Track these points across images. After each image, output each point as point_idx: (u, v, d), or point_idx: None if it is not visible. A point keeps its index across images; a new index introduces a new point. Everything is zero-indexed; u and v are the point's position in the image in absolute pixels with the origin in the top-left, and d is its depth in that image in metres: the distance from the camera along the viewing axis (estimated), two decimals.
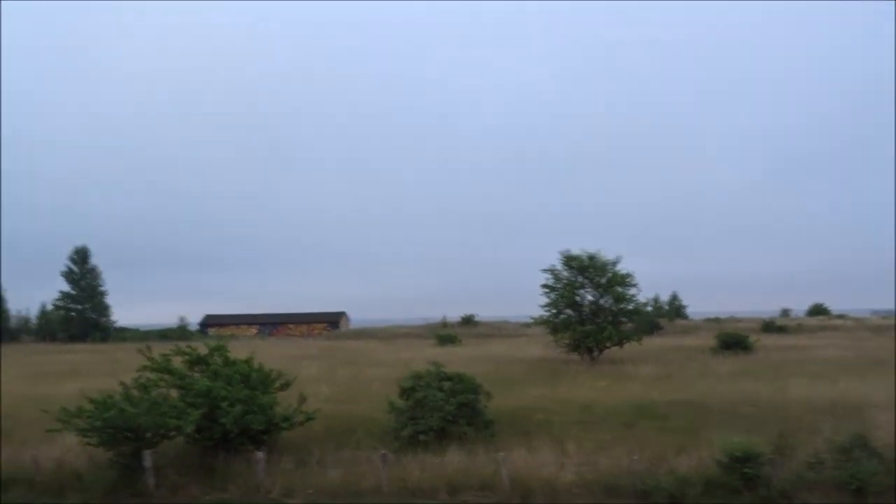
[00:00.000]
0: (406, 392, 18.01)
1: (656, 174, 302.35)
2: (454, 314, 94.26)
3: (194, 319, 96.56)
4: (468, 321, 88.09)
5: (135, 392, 15.77)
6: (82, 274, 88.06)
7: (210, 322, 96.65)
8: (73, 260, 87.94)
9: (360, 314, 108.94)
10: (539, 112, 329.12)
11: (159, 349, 17.62)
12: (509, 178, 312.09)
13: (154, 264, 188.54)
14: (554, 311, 38.93)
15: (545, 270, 39.14)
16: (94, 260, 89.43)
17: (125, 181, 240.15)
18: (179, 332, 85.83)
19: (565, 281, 38.65)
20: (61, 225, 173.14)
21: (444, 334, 65.74)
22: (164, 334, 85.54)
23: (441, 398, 17.29)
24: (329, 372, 32.99)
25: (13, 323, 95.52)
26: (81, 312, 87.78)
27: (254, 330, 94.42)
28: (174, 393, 16.19)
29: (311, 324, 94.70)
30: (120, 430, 14.83)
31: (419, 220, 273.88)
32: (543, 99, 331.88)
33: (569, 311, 38.93)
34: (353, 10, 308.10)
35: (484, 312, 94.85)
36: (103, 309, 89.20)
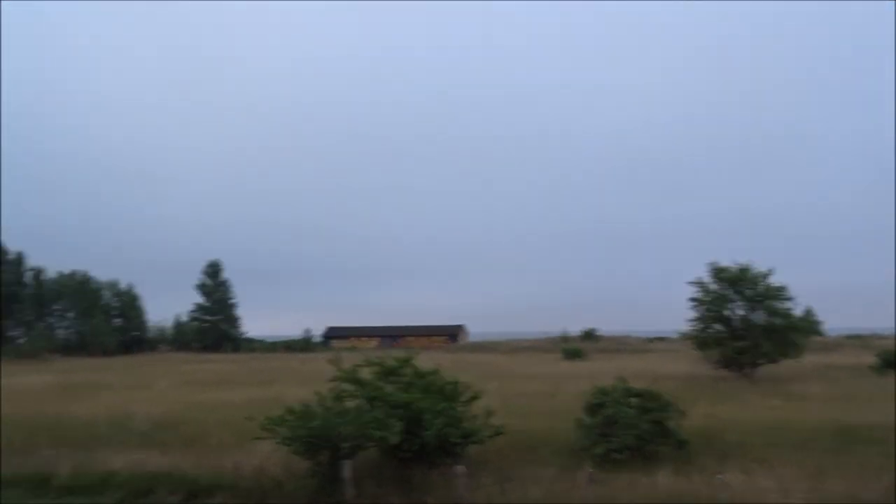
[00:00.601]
0: (593, 408, 17.42)
1: (776, 182, 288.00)
2: (573, 328, 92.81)
3: (317, 331, 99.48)
4: (589, 335, 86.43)
5: (329, 402, 15.96)
6: (215, 287, 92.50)
7: (332, 334, 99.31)
8: (206, 273, 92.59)
9: (478, 327, 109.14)
10: (656, 120, 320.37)
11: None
12: (628, 188, 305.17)
13: (278, 277, 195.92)
14: (702, 325, 37.30)
15: (692, 283, 37.61)
16: (226, 273, 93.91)
17: (253, 196, 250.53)
18: (303, 344, 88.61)
19: (714, 294, 36.95)
20: (196, 239, 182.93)
21: (570, 348, 64.61)
22: (289, 345, 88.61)
23: (633, 415, 16.59)
24: (476, 386, 32.70)
25: (151, 333, 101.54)
26: (214, 323, 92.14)
27: (374, 342, 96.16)
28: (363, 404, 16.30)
29: (431, 336, 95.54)
30: (320, 439, 15.00)
31: (537, 232, 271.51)
32: (657, 107, 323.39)
33: (717, 326, 37.20)
34: (462, 24, 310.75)
35: (603, 327, 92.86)
36: (234, 320, 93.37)
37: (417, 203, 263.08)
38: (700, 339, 37.44)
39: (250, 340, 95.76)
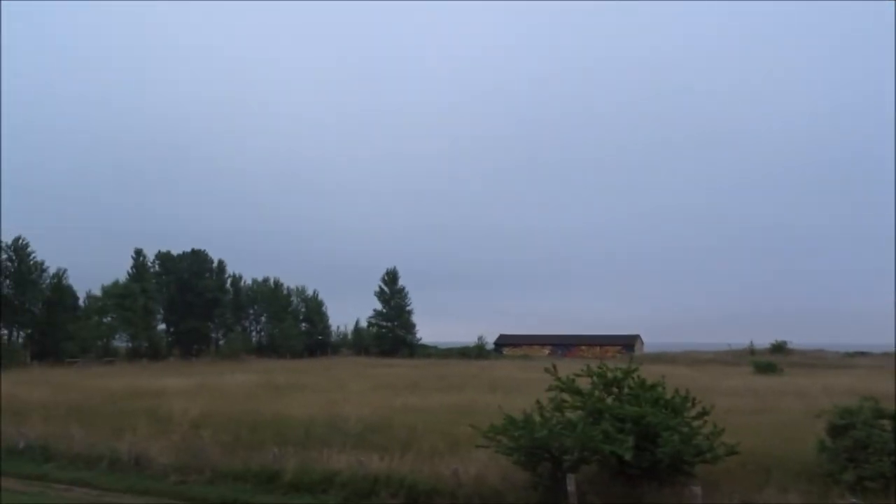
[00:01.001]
0: (838, 430, 15.54)
1: None
2: (756, 340, 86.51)
3: (489, 338, 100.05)
4: (779, 348, 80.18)
5: (548, 412, 15.41)
6: (392, 294, 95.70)
7: (504, 341, 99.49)
8: (384, 281, 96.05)
9: (652, 338, 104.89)
10: (846, 111, 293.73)
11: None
12: (813, 188, 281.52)
13: (451, 283, 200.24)
14: None
15: None
16: (402, 280, 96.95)
17: (428, 204, 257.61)
18: (477, 351, 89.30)
19: None
20: (374, 246, 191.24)
21: (762, 362, 60.05)
22: (463, 352, 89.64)
23: (888, 439, 14.61)
24: None
25: (333, 337, 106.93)
26: (391, 329, 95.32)
27: (546, 350, 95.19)
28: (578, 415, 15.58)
29: (605, 346, 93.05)
30: (543, 450, 14.48)
31: (720, 236, 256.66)
32: (835, 101, 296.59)
33: None
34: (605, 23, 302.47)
35: (792, 339, 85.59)
36: (410, 326, 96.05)
37: (587, 210, 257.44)
38: None
39: (425, 346, 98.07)
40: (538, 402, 15.72)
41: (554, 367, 16.51)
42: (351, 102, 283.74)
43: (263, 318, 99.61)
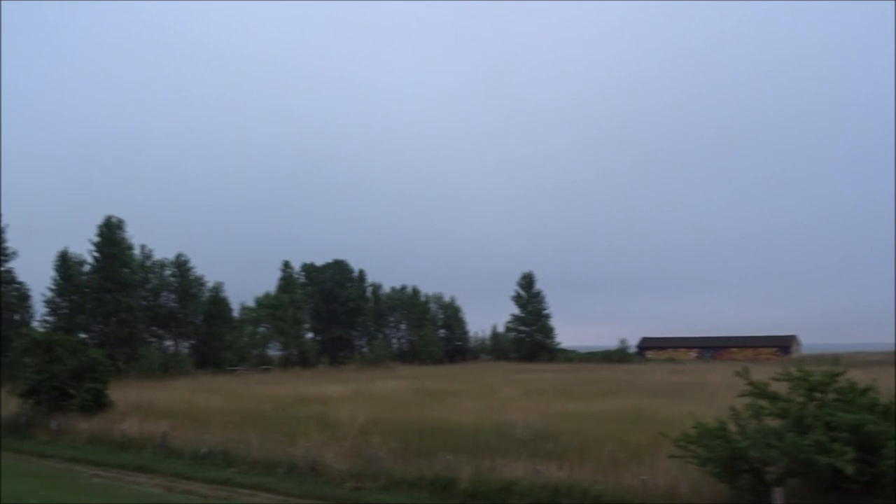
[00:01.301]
0: None
1: None
2: None
3: (632, 341, 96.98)
4: None
5: (744, 420, 14.23)
6: (529, 298, 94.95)
7: (647, 344, 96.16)
8: (520, 285, 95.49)
9: (811, 339, 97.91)
10: None
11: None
12: None
13: (588, 287, 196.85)
14: None
15: None
16: (539, 285, 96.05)
17: (562, 208, 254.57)
18: (620, 355, 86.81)
19: None
20: (508, 252, 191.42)
21: None
22: (605, 356, 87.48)
23: None
24: None
25: (471, 343, 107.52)
26: (529, 334, 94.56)
27: (693, 353, 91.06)
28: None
29: (757, 348, 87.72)
30: (743, 461, 13.37)
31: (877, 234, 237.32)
32: None
33: None
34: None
35: None
36: (548, 331, 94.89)
37: (735, 208, 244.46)
38: None
39: (564, 351, 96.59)
40: (732, 408, 14.55)
41: (746, 369, 15.29)
42: (476, 112, 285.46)
43: (403, 326, 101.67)
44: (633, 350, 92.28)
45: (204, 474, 21.49)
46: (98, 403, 30.97)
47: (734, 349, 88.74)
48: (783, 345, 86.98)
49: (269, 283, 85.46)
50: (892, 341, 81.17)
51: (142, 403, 31.59)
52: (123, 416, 28.97)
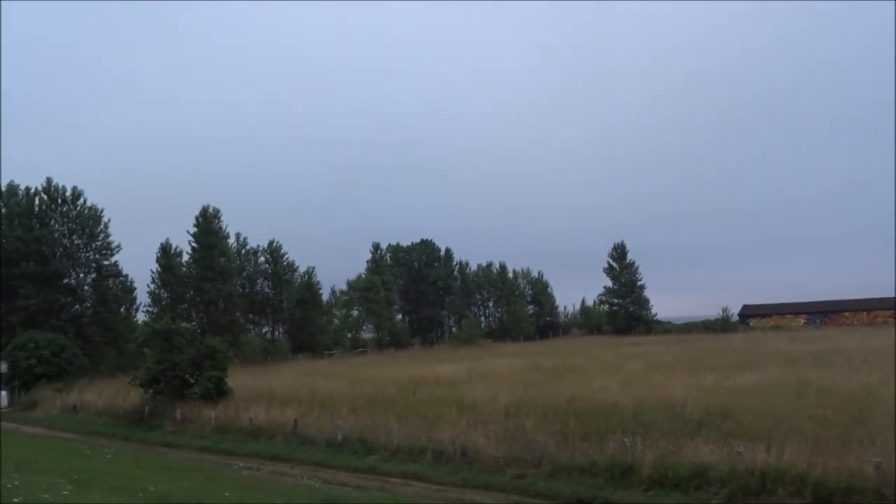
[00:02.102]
0: None
1: None
2: None
3: (734, 310, 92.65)
4: None
5: None
6: (622, 269, 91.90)
7: (749, 312, 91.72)
8: (612, 256, 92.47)
9: None
10: None
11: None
12: None
13: (685, 257, 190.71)
14: None
15: None
16: (631, 255, 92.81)
17: (649, 177, 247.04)
18: (722, 324, 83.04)
19: None
20: (598, 224, 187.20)
21: None
22: (706, 326, 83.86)
23: None
24: None
25: (561, 318, 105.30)
26: (623, 306, 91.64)
27: (802, 319, 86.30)
28: None
29: (872, 311, 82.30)
30: None
31: None
32: None
33: None
34: None
35: None
36: (643, 302, 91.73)
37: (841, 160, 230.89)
38: None
39: (660, 322, 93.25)
40: None
41: None
42: (558, 82, 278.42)
43: (490, 303, 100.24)
44: (734, 318, 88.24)
45: (344, 462, 20.52)
46: (219, 391, 30.66)
47: (847, 313, 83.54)
48: None
49: (357, 267, 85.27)
50: None
51: (262, 390, 31.12)
52: (247, 403, 28.48)
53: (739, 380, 25.48)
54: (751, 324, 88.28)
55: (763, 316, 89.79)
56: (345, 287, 78.79)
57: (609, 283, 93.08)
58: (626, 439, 16.19)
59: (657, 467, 15.07)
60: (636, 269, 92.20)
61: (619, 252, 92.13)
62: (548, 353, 50.46)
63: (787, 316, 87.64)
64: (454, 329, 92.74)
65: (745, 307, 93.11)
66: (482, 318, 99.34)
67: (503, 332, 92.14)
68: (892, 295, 78.86)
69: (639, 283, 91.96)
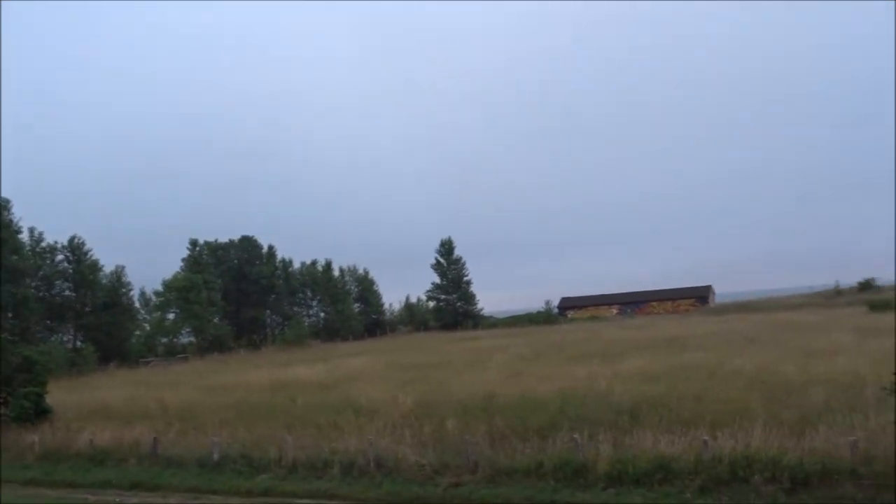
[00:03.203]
0: None
1: None
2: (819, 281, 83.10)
3: (554, 304, 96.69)
4: (867, 286, 76.62)
5: None
6: (449, 265, 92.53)
7: (567, 304, 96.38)
8: (440, 252, 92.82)
9: (722, 288, 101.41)
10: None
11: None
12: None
13: (505, 254, 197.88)
14: None
15: None
16: (458, 251, 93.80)
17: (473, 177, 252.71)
18: (545, 317, 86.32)
19: None
20: (422, 221, 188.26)
21: (878, 300, 56.81)
22: (530, 319, 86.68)
23: None
24: None
25: (388, 316, 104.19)
26: (451, 302, 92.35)
27: (615, 310, 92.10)
28: None
29: (676, 300, 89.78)
30: None
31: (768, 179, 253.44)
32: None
33: None
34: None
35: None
36: (470, 298, 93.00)
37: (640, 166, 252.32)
38: None
39: (487, 317, 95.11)
40: None
41: None
42: (382, 81, 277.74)
43: (315, 302, 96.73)
44: (555, 311, 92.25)
45: (229, 485, 17.39)
46: (38, 411, 25.62)
47: (654, 303, 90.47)
48: (701, 295, 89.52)
49: (173, 266, 77.95)
50: (783, 287, 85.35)
51: (93, 406, 26.53)
52: (79, 423, 23.92)
53: (623, 367, 25.41)
54: (569, 315, 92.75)
55: (580, 307, 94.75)
56: (160, 287, 71.73)
57: (437, 279, 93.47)
58: (575, 435, 14.93)
59: (615, 463, 13.97)
60: (463, 264, 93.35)
61: (447, 248, 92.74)
62: (394, 351, 48.90)
63: (601, 307, 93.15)
64: (279, 330, 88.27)
65: (563, 300, 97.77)
66: (307, 318, 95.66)
67: (331, 332, 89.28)
68: (693, 285, 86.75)
69: (466, 278, 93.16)
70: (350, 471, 16.72)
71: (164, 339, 70.76)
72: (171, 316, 70.76)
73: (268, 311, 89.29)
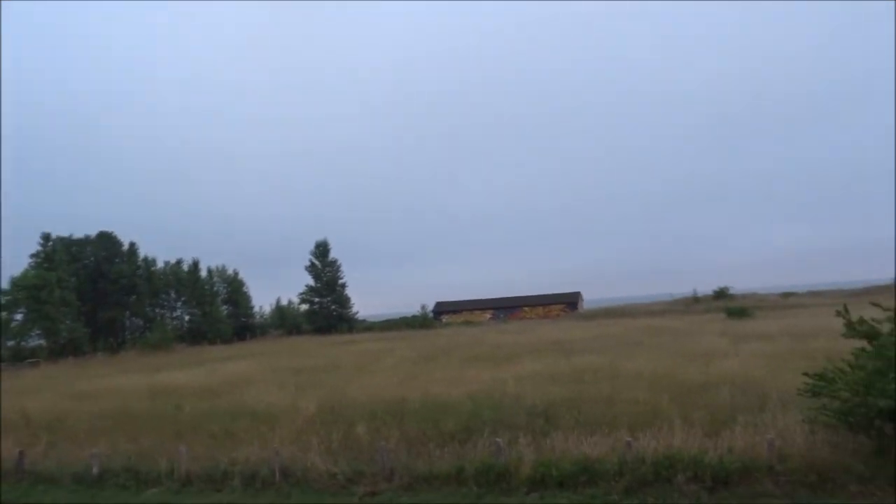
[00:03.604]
0: None
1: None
2: (679, 290, 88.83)
3: (430, 308, 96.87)
4: (721, 294, 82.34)
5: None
6: (324, 267, 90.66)
7: (442, 309, 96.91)
8: (315, 254, 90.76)
9: (589, 295, 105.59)
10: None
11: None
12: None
13: (378, 259, 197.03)
14: None
15: None
16: (334, 254, 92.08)
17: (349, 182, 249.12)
18: (421, 321, 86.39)
19: None
20: (294, 223, 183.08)
21: (735, 307, 61.02)
22: (407, 323, 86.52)
23: None
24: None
25: (258, 319, 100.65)
26: (325, 305, 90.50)
27: (488, 315, 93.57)
28: None
29: (548, 305, 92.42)
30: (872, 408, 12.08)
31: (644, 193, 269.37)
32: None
33: None
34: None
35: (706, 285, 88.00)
36: (345, 301, 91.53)
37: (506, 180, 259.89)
38: None
39: (360, 321, 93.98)
40: (859, 350, 13.21)
41: (846, 309, 14.07)
42: (254, 82, 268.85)
43: (180, 304, 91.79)
44: (430, 315, 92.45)
45: (113, 501, 15.64)
46: None
47: (527, 308, 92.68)
48: (571, 301, 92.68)
49: (20, 262, 71.42)
50: (645, 294, 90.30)
51: None
52: None
53: (521, 370, 25.51)
54: (444, 320, 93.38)
55: (455, 312, 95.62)
56: (5, 286, 65.38)
57: (311, 282, 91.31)
58: (498, 439, 14.59)
59: (538, 466, 13.75)
60: (339, 267, 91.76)
61: (322, 250, 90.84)
62: (273, 355, 47.05)
63: (475, 312, 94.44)
64: (140, 333, 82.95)
65: (438, 304, 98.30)
66: (170, 320, 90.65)
67: (197, 336, 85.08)
68: (563, 291, 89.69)
69: (341, 281, 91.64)
70: (252, 482, 15.54)
71: (11, 343, 64.50)
72: (18, 317, 64.63)
73: (127, 313, 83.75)
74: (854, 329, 13.80)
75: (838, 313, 14.11)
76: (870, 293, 77.16)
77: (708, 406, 15.64)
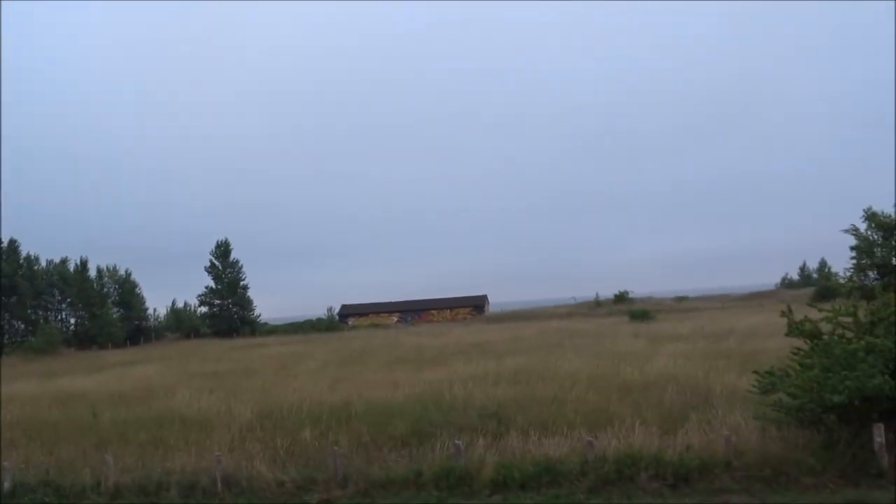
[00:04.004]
0: None
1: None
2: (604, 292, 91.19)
3: (336, 310, 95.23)
4: (622, 298, 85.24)
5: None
6: (225, 268, 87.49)
7: (347, 311, 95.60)
8: (215, 255, 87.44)
9: (494, 297, 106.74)
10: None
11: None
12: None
13: (280, 259, 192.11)
14: (861, 275, 36.01)
15: (848, 231, 36.25)
16: (235, 254, 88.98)
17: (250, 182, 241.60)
18: (328, 324, 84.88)
19: (874, 242, 35.64)
20: (190, 223, 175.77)
21: (637, 310, 63.31)
22: (313, 325, 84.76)
23: None
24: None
25: (152, 322, 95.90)
26: (226, 307, 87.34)
27: (395, 318, 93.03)
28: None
29: (455, 309, 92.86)
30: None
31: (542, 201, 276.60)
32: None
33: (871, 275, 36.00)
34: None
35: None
36: (247, 303, 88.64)
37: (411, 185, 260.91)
38: (860, 290, 36.15)
39: (264, 324, 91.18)
40: (798, 350, 13.80)
41: (790, 309, 14.67)
42: (149, 80, 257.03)
43: (64, 306, 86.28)
44: (336, 318, 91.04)
45: None
46: None
47: (433, 311, 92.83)
48: (478, 304, 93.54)
49: None
50: (564, 297, 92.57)
51: None
52: None
53: (456, 372, 25.32)
54: (350, 322, 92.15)
55: (360, 315, 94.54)
56: None
57: (211, 283, 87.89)
58: (458, 441, 14.31)
59: (499, 468, 13.57)
60: (241, 268, 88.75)
61: (223, 250, 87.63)
62: (178, 358, 44.73)
63: (381, 314, 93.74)
64: (22, 337, 77.30)
65: (343, 307, 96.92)
66: (55, 323, 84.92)
67: (85, 339, 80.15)
68: (470, 294, 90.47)
69: (243, 282, 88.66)
70: (191, 493, 14.55)
71: None
72: None
73: (7, 315, 77.84)
74: (798, 328, 14.43)
75: (783, 314, 14.73)
76: (757, 297, 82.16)
77: (658, 405, 15.95)
